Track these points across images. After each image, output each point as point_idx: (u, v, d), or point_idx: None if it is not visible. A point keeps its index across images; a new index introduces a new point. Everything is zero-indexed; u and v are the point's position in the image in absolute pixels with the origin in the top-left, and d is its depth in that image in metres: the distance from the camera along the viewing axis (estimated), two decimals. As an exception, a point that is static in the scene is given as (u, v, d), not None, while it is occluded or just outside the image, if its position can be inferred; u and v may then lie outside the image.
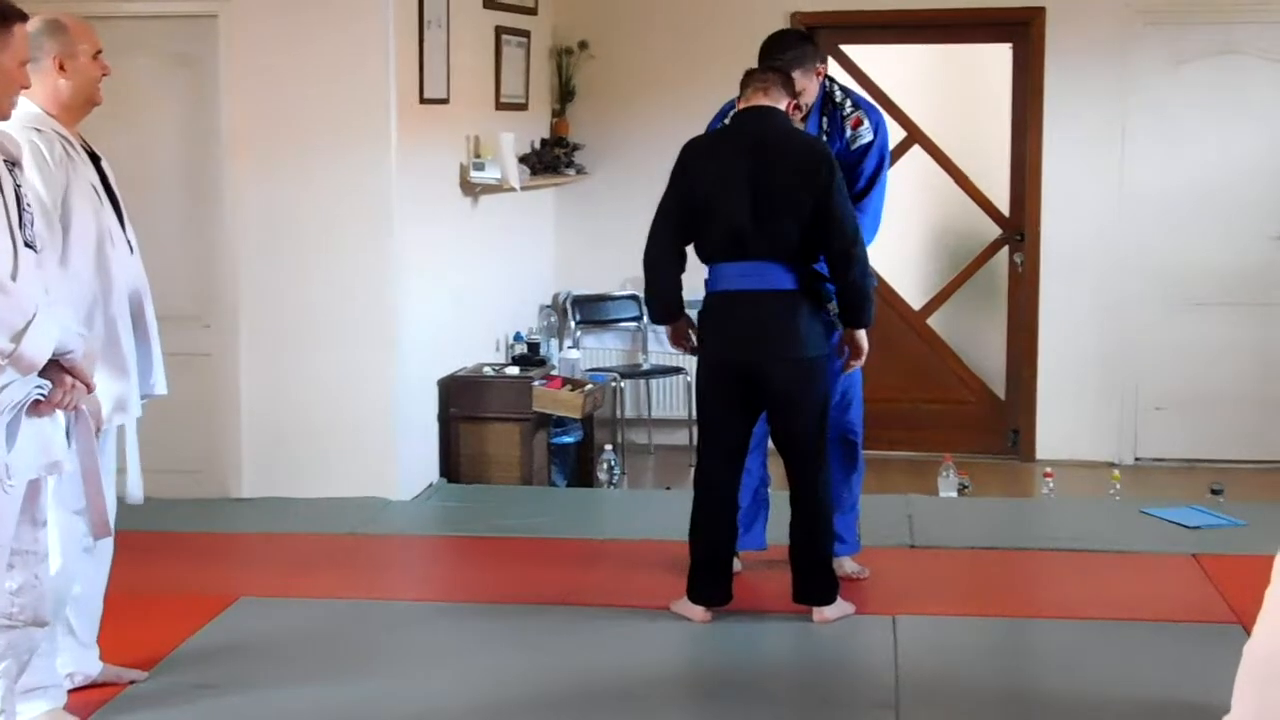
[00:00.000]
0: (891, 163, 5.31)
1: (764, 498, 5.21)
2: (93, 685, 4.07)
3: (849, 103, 5.05)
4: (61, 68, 3.77)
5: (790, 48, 4.91)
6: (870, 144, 4.99)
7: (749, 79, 4.70)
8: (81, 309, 3.69)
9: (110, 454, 3.92)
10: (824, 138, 4.95)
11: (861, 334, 4.73)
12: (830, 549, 4.80)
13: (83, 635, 4.03)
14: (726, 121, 4.95)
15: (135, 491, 3.99)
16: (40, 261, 3.31)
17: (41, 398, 3.25)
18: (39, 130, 3.71)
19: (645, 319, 7.92)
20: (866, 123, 5.01)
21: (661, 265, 4.72)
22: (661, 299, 4.79)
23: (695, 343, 4.83)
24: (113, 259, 3.82)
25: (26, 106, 3.73)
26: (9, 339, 3.09)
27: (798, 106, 4.79)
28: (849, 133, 4.99)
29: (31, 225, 3.28)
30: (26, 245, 3.24)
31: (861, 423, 5.18)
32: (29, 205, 3.32)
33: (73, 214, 3.71)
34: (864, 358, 4.79)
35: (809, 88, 4.91)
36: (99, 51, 3.84)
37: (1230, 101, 7.37)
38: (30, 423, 3.25)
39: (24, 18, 3.25)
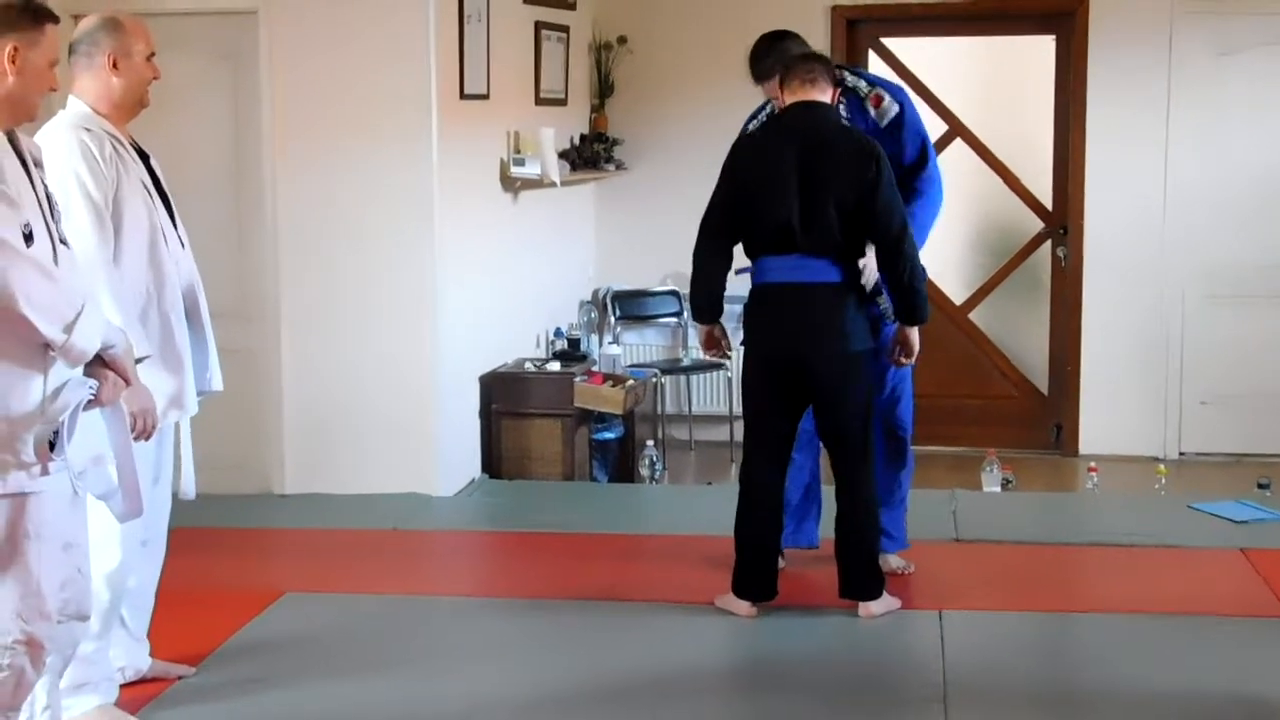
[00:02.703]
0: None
1: (816, 495, 5.21)
2: (142, 680, 4.11)
3: (864, 83, 5.01)
4: (115, 66, 3.78)
5: (816, 64, 4.77)
6: (900, 114, 4.93)
7: (792, 71, 4.67)
8: (136, 306, 3.72)
9: (168, 450, 3.95)
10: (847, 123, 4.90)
11: (914, 331, 4.73)
12: (877, 544, 4.80)
13: (135, 630, 4.07)
14: (763, 117, 4.95)
15: (189, 487, 4.02)
16: (72, 258, 3.33)
17: (92, 395, 3.28)
18: (88, 130, 3.73)
19: (686, 314, 7.92)
20: (888, 97, 4.96)
21: (708, 262, 4.73)
22: (704, 295, 4.79)
23: (725, 350, 4.85)
24: (165, 256, 3.84)
25: (76, 105, 3.78)
26: (61, 329, 3.11)
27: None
28: (873, 112, 4.94)
29: (60, 223, 3.31)
30: (61, 242, 3.27)
31: (911, 419, 5.16)
32: (56, 203, 3.35)
33: (124, 212, 3.73)
34: (915, 356, 4.79)
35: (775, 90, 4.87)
36: (153, 54, 3.86)
37: (1275, 94, 7.31)
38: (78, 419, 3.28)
39: (55, 19, 3.26)
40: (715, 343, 4.88)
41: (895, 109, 4.95)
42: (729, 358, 4.81)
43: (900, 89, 5.09)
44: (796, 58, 4.73)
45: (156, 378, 3.69)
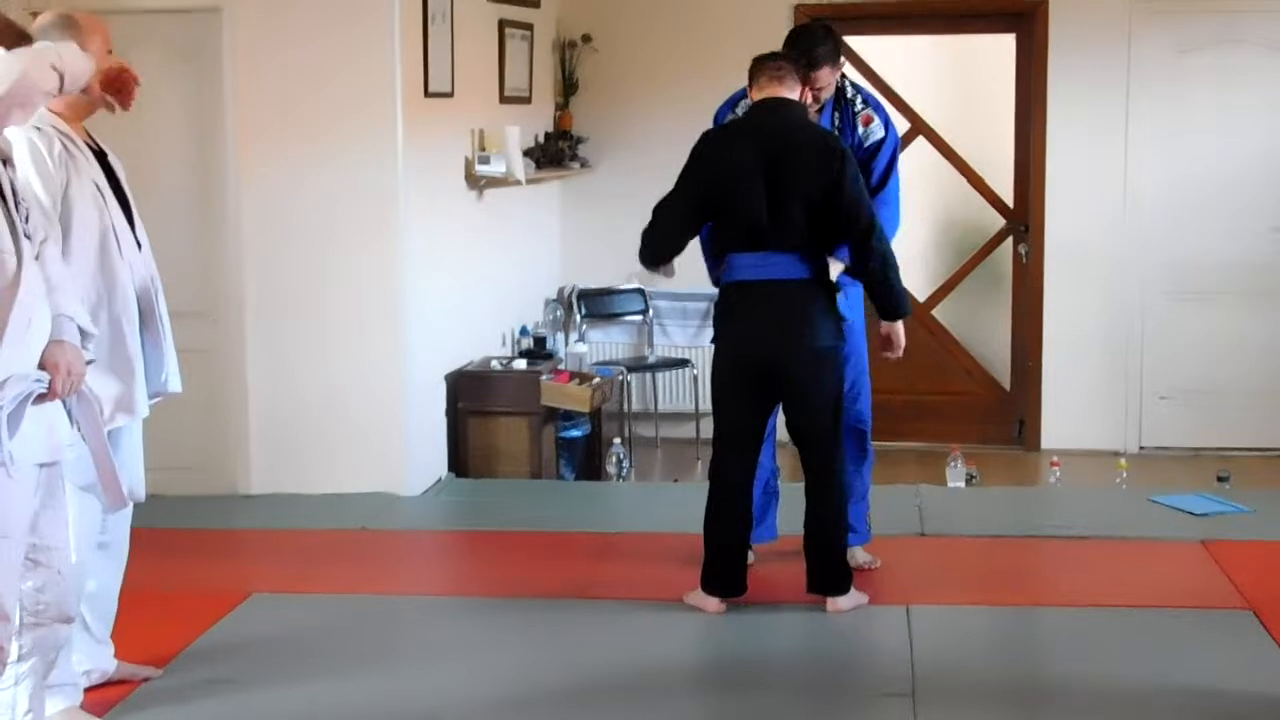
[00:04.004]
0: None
1: (774, 489, 5.20)
2: (108, 683, 4.06)
3: (859, 99, 5.08)
4: (70, 66, 3.73)
5: (821, 43, 4.89)
6: (883, 140, 5.02)
7: (760, 68, 4.67)
8: (85, 308, 3.66)
9: (126, 452, 3.88)
10: (836, 132, 4.94)
11: (898, 326, 4.74)
12: (845, 540, 4.80)
13: (98, 632, 4.02)
14: (736, 112, 4.95)
15: (138, 489, 3.94)
16: (40, 254, 3.29)
17: (43, 390, 3.23)
18: (38, 128, 3.66)
19: (651, 313, 7.91)
20: (877, 120, 5.04)
21: (665, 234, 4.70)
22: (655, 249, 4.74)
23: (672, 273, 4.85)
24: (117, 257, 3.78)
25: (31, 106, 3.71)
26: (21, 327, 3.10)
27: (815, 99, 4.80)
28: (860, 130, 5.01)
29: (27, 219, 3.26)
30: (26, 237, 3.22)
31: (870, 412, 5.17)
32: (24, 199, 3.30)
33: (73, 212, 3.68)
34: (900, 350, 4.81)
35: (832, 84, 4.94)
36: (110, 52, 3.79)
37: (1235, 92, 7.35)
38: (34, 410, 3.22)
39: (30, 40, 3.23)
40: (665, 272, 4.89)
41: (880, 133, 5.02)
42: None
43: (887, 116, 5.13)
44: (766, 56, 4.72)
45: (104, 381, 3.64)
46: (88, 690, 3.92)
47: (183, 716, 3.94)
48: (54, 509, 3.39)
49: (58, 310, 3.31)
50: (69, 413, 3.42)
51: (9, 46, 3.18)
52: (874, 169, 5.00)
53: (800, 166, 4.55)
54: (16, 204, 3.23)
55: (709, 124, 5.07)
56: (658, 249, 4.77)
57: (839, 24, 7.43)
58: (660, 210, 4.72)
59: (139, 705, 3.98)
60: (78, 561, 3.75)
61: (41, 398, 3.23)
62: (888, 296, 4.67)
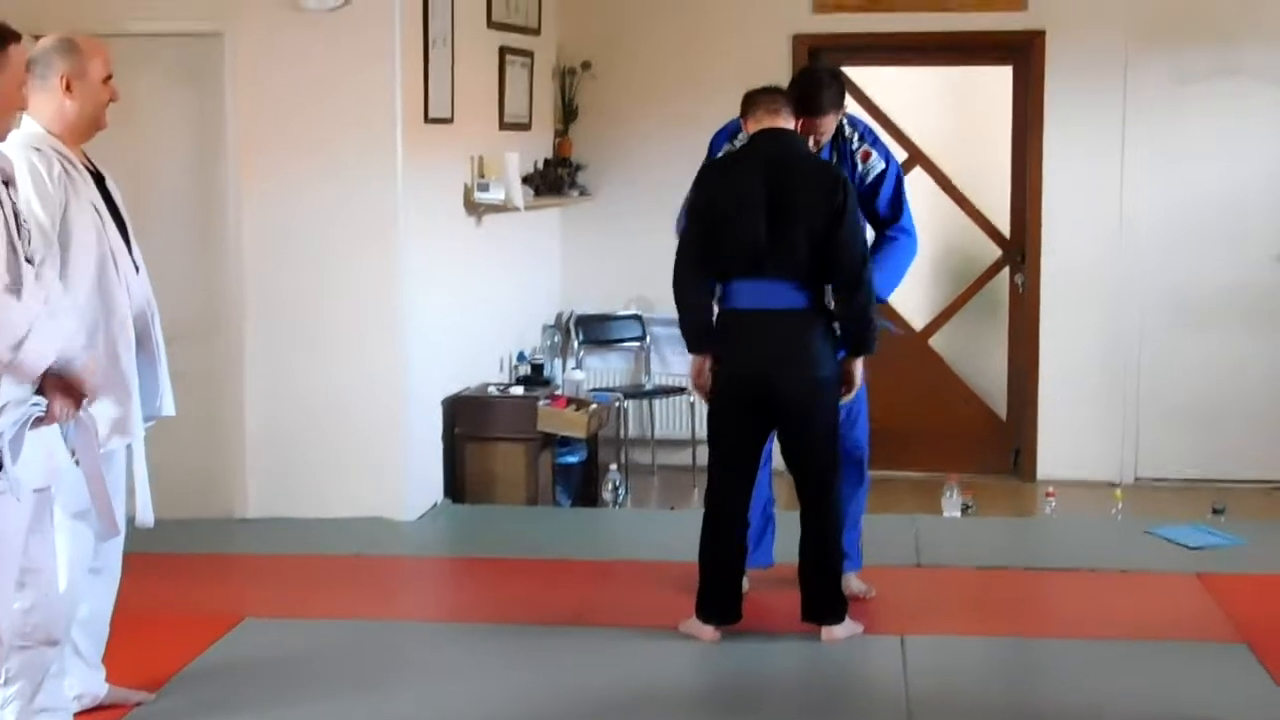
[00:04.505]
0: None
1: (770, 515, 5.20)
2: (100, 707, 4.04)
3: (856, 135, 5.10)
4: (69, 88, 3.72)
5: (826, 88, 4.90)
6: (884, 172, 5.05)
7: (755, 102, 4.70)
8: (82, 329, 3.65)
9: (118, 475, 3.88)
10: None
11: (858, 363, 4.73)
12: (840, 567, 4.78)
13: (89, 656, 3.99)
14: (735, 142, 4.95)
15: (145, 514, 3.92)
16: (39, 274, 3.28)
17: (40, 414, 3.22)
18: (38, 150, 3.67)
19: (648, 339, 7.90)
20: (875, 154, 5.08)
21: (691, 294, 4.68)
22: (694, 327, 4.72)
23: (711, 392, 4.75)
24: (115, 279, 3.78)
25: (29, 125, 3.70)
26: (10, 348, 3.06)
27: (817, 143, 4.85)
28: (860, 166, 5.04)
29: (29, 241, 3.26)
30: (26, 260, 3.22)
31: (867, 440, 5.16)
32: (25, 221, 3.29)
33: (72, 234, 3.67)
34: (855, 390, 4.78)
35: (833, 128, 4.96)
36: (109, 76, 3.80)
37: (1231, 122, 7.37)
38: (32, 435, 3.22)
39: (18, 38, 3.22)
40: (704, 378, 4.76)
41: (880, 166, 5.05)
42: (713, 372, 4.75)
43: (886, 149, 5.16)
44: (760, 90, 4.75)
45: (100, 404, 3.61)
46: (79, 715, 3.89)
47: (175, 742, 3.93)
48: (42, 532, 3.38)
49: (65, 333, 3.31)
50: (64, 437, 3.42)
51: None
52: (880, 200, 5.03)
53: (804, 195, 4.56)
54: (19, 226, 3.23)
55: (706, 152, 5.09)
56: (691, 334, 4.71)
57: (836, 53, 7.56)
58: (684, 245, 4.70)
59: (131, 730, 3.97)
60: (69, 586, 3.74)
61: (39, 421, 3.22)
62: (866, 332, 4.64)
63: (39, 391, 3.21)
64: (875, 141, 5.14)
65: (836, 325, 4.69)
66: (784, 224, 4.55)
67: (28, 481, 3.22)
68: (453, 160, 6.69)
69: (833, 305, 4.67)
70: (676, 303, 4.72)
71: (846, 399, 4.79)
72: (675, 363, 7.84)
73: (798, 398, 4.60)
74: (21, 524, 3.25)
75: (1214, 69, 7.35)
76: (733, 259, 4.63)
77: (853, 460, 5.04)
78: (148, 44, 5.99)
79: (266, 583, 5.45)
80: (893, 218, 5.05)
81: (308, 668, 4.50)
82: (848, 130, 5.08)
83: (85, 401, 3.33)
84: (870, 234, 5.00)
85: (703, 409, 4.92)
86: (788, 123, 4.66)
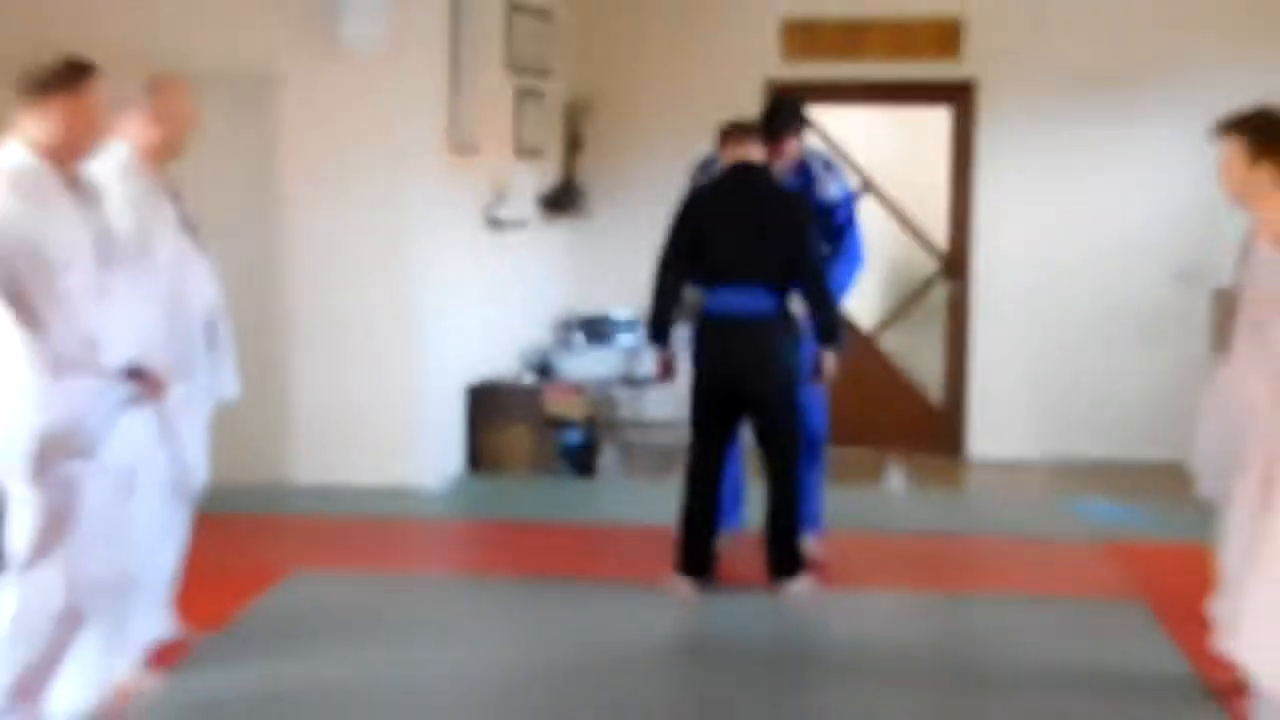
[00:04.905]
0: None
1: (741, 487, 5.20)
2: (167, 645, 4.02)
3: (819, 165, 5.12)
4: (153, 120, 3.73)
5: (783, 116, 4.98)
6: (840, 197, 5.09)
7: (728, 135, 4.73)
8: (159, 325, 3.63)
9: (187, 448, 3.86)
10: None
11: (830, 356, 4.71)
12: (800, 532, 4.77)
13: (160, 601, 3.99)
14: (711, 171, 4.94)
15: (200, 477, 3.94)
16: (125, 281, 3.27)
17: (126, 400, 3.22)
18: (125, 171, 3.66)
19: (641, 337, 7.85)
20: (833, 183, 5.10)
21: (664, 295, 4.72)
22: (659, 324, 4.76)
23: (673, 377, 4.85)
24: (188, 281, 3.78)
25: (118, 150, 3.69)
26: (92, 349, 3.09)
27: (782, 161, 4.89)
28: (820, 192, 5.05)
29: (115, 251, 3.25)
30: (112, 267, 3.23)
31: (825, 424, 5.14)
32: (113, 233, 3.29)
33: (154, 244, 3.66)
34: (830, 377, 4.78)
35: (796, 148, 4.99)
36: (187, 109, 3.79)
37: (1132, 161, 7.32)
38: (119, 418, 3.24)
39: (97, 71, 3.23)
40: (668, 369, 4.85)
41: (837, 193, 5.08)
42: (671, 376, 4.79)
43: (842, 176, 5.20)
44: (733, 124, 4.77)
45: (174, 388, 3.60)
46: (150, 652, 3.88)
47: (232, 673, 3.91)
48: (125, 498, 3.37)
49: (135, 330, 3.30)
50: (145, 414, 3.41)
51: (67, 89, 3.13)
52: (835, 221, 5.04)
53: (772, 217, 4.60)
54: (107, 238, 3.22)
55: (688, 178, 5.09)
56: (655, 328, 4.76)
57: (804, 93, 7.50)
58: (661, 266, 4.71)
59: (194, 665, 3.96)
60: (145, 542, 3.72)
61: (123, 406, 3.23)
62: (832, 327, 4.67)
63: (124, 381, 3.22)
64: (834, 171, 5.15)
65: (807, 325, 4.70)
66: (756, 239, 4.57)
67: (116, 452, 3.22)
68: (475, 183, 6.66)
69: (803, 308, 4.68)
70: (652, 295, 4.73)
71: (820, 383, 4.81)
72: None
73: (764, 394, 4.62)
74: (108, 493, 3.25)
75: (1118, 115, 7.31)
76: (714, 267, 4.64)
77: (811, 442, 5.02)
78: (217, 83, 5.93)
79: (312, 541, 5.43)
80: (844, 236, 5.06)
81: (345, 613, 4.50)
82: (811, 161, 5.10)
83: (161, 388, 3.33)
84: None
85: (685, 397, 4.89)
86: (755, 150, 4.69)
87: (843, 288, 5.04)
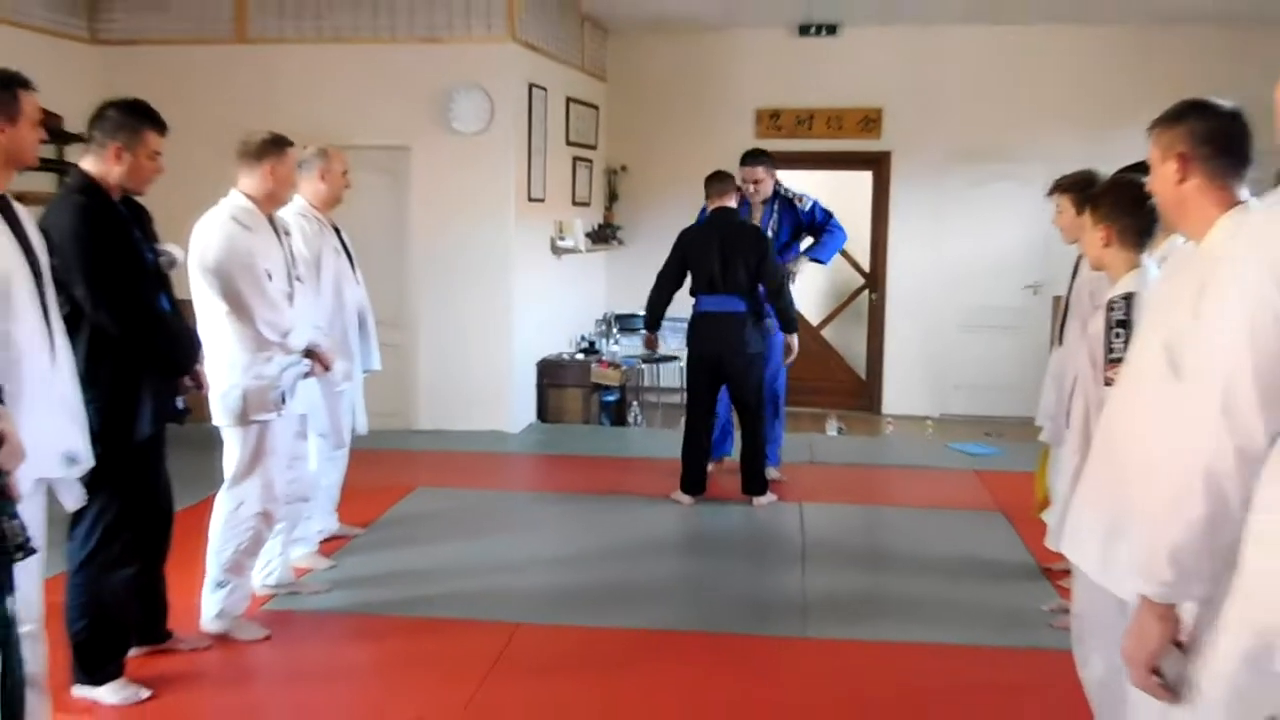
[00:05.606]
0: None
1: (729, 430, 5.19)
2: (334, 537, 4.06)
3: (793, 192, 5.14)
4: (322, 178, 3.73)
5: (755, 153, 5.08)
6: (813, 204, 5.12)
7: (712, 185, 4.71)
8: (326, 318, 3.67)
9: (347, 406, 3.88)
10: (778, 217, 5.00)
11: (794, 338, 4.71)
12: (764, 462, 4.76)
13: (328, 507, 4.01)
14: (701, 216, 4.93)
15: (361, 426, 3.96)
16: (304, 290, 3.28)
17: (305, 371, 3.23)
18: (304, 216, 3.68)
19: (658, 329, 7.80)
20: (805, 197, 5.14)
21: (658, 301, 4.76)
22: (652, 314, 4.80)
23: (656, 349, 4.93)
24: (346, 290, 3.79)
25: (299, 200, 3.71)
26: (284, 334, 3.09)
27: (757, 190, 4.92)
28: (798, 206, 5.08)
29: (296, 269, 3.25)
30: (297, 279, 3.22)
31: (784, 388, 5.12)
32: (296, 258, 3.29)
33: (322, 264, 3.68)
34: (794, 354, 4.78)
35: (767, 181, 5.02)
36: (346, 171, 3.80)
37: (1002, 207, 7.25)
38: (300, 383, 3.24)
39: (292, 144, 3.21)
40: (652, 345, 4.92)
41: (810, 203, 5.11)
42: (655, 351, 4.87)
43: (809, 197, 5.20)
44: (714, 175, 4.75)
45: (336, 364, 3.63)
46: (321, 542, 3.92)
47: (378, 557, 3.94)
48: (303, 436, 3.39)
49: (310, 323, 3.31)
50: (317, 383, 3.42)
51: (274, 155, 3.12)
52: (815, 218, 5.08)
53: (742, 246, 4.57)
54: (293, 258, 3.23)
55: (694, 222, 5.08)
56: (649, 320, 4.80)
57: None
58: (657, 281, 4.75)
59: (352, 551, 3.99)
60: (316, 467, 3.75)
61: (304, 376, 3.24)
62: (788, 319, 4.67)
63: (302, 358, 3.23)
64: (802, 196, 5.15)
65: (770, 318, 4.68)
66: (731, 262, 4.54)
67: (295, 408, 3.24)
68: (544, 224, 6.65)
69: (768, 307, 4.66)
70: (649, 299, 4.77)
71: (789, 360, 4.80)
72: (673, 342, 7.76)
73: (738, 368, 4.60)
74: (290, 433, 3.27)
75: (987, 176, 7.24)
76: (700, 282, 4.64)
77: (774, 402, 5.03)
78: (366, 152, 5.97)
79: (431, 466, 5.44)
80: (825, 222, 5.07)
81: (455, 516, 4.51)
82: (784, 192, 5.09)
83: (328, 364, 3.34)
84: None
85: (685, 372, 4.89)
86: (732, 199, 4.67)
87: (834, 249, 5.10)
